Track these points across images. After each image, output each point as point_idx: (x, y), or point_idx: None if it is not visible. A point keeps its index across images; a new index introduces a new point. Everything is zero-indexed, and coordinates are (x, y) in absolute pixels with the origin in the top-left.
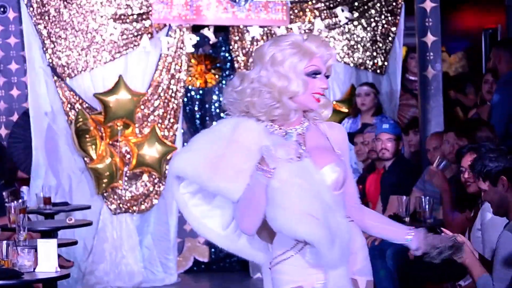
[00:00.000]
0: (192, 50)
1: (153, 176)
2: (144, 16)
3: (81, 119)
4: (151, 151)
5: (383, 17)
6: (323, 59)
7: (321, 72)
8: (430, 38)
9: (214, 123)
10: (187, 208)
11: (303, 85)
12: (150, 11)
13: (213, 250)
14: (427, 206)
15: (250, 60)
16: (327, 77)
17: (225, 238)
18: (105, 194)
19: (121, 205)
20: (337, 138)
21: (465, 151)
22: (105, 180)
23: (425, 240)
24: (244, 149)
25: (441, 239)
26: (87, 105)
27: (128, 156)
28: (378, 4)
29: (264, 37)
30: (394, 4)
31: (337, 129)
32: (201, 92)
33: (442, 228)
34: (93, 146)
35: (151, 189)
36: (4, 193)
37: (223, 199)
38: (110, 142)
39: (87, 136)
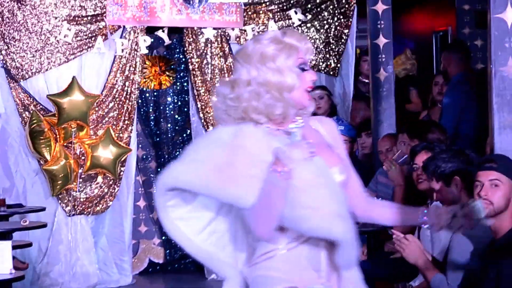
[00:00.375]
0: (146, 51)
1: (108, 178)
2: (98, 18)
3: (35, 121)
4: (106, 153)
5: (335, 19)
6: (304, 52)
7: (307, 64)
8: (382, 40)
9: (169, 125)
10: (165, 209)
11: (297, 78)
12: (104, 12)
13: (168, 251)
14: None
15: (205, 61)
16: None
17: (195, 245)
18: (59, 196)
19: (75, 207)
20: (330, 133)
21: (419, 150)
22: (59, 182)
23: (439, 213)
24: (251, 154)
25: (452, 207)
26: (41, 106)
27: (82, 157)
28: (331, 7)
29: (218, 39)
30: (346, 6)
31: (328, 123)
32: (155, 93)
33: (392, 230)
34: (48, 148)
35: (106, 190)
36: None
37: (202, 203)
38: (65, 144)
39: (41, 137)
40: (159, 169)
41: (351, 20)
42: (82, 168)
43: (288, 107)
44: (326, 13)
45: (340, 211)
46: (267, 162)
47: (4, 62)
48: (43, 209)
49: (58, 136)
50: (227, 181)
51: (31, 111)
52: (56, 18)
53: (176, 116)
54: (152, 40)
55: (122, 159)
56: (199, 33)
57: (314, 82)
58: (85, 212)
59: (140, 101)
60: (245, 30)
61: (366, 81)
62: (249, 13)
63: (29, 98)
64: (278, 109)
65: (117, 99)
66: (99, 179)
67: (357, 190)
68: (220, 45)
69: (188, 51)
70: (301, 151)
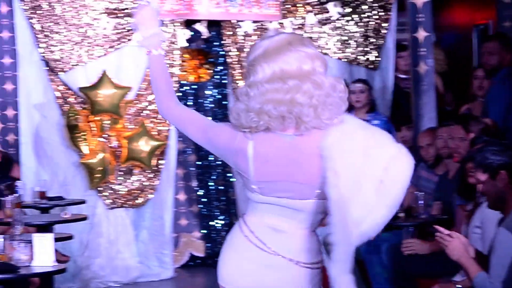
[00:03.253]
0: (185, 45)
1: (148, 171)
2: None
3: (71, 115)
4: (141, 146)
5: (375, 12)
6: None
7: None
8: (422, 34)
9: (208, 118)
10: None
11: None
12: None
13: (208, 245)
14: (421, 202)
15: (243, 55)
16: None
17: None
18: (99, 189)
19: (116, 200)
20: None
21: (480, 141)
22: (97, 175)
23: None
24: None
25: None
26: (81, 99)
27: (119, 151)
28: (370, 0)
29: (257, 32)
30: None
31: None
32: (194, 87)
33: (436, 226)
34: (84, 142)
35: (146, 184)
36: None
37: None
38: (101, 137)
39: (78, 131)
40: (198, 162)
41: (390, 13)
42: (118, 161)
43: None
44: (365, 6)
45: None
46: None
47: (43, 55)
48: (83, 202)
49: (94, 129)
50: None
51: (70, 104)
52: (94, 11)
53: (216, 109)
54: (191, 33)
55: (159, 152)
56: (238, 26)
57: None
58: (125, 205)
59: (179, 94)
60: (283, 24)
61: (403, 76)
62: (288, 6)
63: (68, 91)
64: None
65: None
66: (139, 172)
67: None
68: (258, 38)
69: (226, 44)
70: None
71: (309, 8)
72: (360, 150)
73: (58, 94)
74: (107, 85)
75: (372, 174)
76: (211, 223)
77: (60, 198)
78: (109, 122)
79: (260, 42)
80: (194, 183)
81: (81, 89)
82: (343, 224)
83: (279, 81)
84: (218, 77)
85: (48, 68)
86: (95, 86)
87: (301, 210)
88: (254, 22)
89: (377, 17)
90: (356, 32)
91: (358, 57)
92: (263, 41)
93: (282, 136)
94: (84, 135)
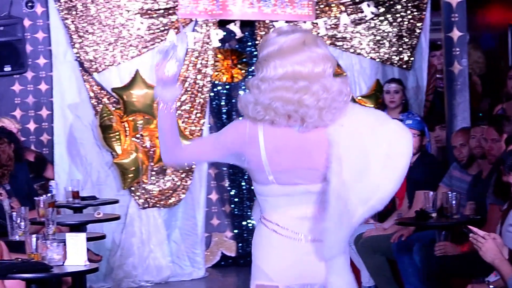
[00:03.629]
0: (219, 45)
1: (180, 171)
2: (170, 11)
3: (105, 115)
4: None
5: (408, 12)
6: None
7: None
8: (456, 33)
9: (241, 118)
10: None
11: None
12: (176, 6)
13: (240, 245)
14: (454, 202)
15: None
16: None
17: None
18: (132, 189)
19: (148, 200)
20: None
21: None
22: (130, 175)
23: None
24: None
25: None
26: (114, 99)
27: (151, 150)
28: None
29: None
30: None
31: None
32: (227, 87)
33: (469, 227)
34: (118, 142)
35: (178, 183)
36: (34, 186)
37: None
38: (135, 137)
39: (111, 131)
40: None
41: (424, 13)
42: (151, 161)
43: None
44: (399, 6)
45: None
46: None
47: (78, 55)
48: (116, 202)
49: (127, 130)
50: None
51: (103, 104)
52: (128, 11)
53: None
54: (224, 33)
55: None
56: (271, 26)
57: None
58: (158, 205)
59: (212, 94)
60: (317, 23)
61: (437, 76)
62: (321, 6)
63: (102, 91)
64: None
65: (190, 92)
66: (171, 172)
67: None
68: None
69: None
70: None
71: (343, 8)
72: (367, 129)
73: (92, 94)
74: (140, 85)
75: (380, 151)
76: (243, 223)
77: (93, 197)
78: (142, 122)
79: (275, 37)
80: (226, 183)
81: (114, 89)
82: (339, 211)
83: (290, 80)
84: (251, 77)
85: (82, 68)
86: (128, 86)
87: (316, 192)
88: (288, 22)
89: (411, 16)
90: (390, 32)
91: (392, 57)
92: (278, 37)
93: (288, 128)
94: (117, 135)
